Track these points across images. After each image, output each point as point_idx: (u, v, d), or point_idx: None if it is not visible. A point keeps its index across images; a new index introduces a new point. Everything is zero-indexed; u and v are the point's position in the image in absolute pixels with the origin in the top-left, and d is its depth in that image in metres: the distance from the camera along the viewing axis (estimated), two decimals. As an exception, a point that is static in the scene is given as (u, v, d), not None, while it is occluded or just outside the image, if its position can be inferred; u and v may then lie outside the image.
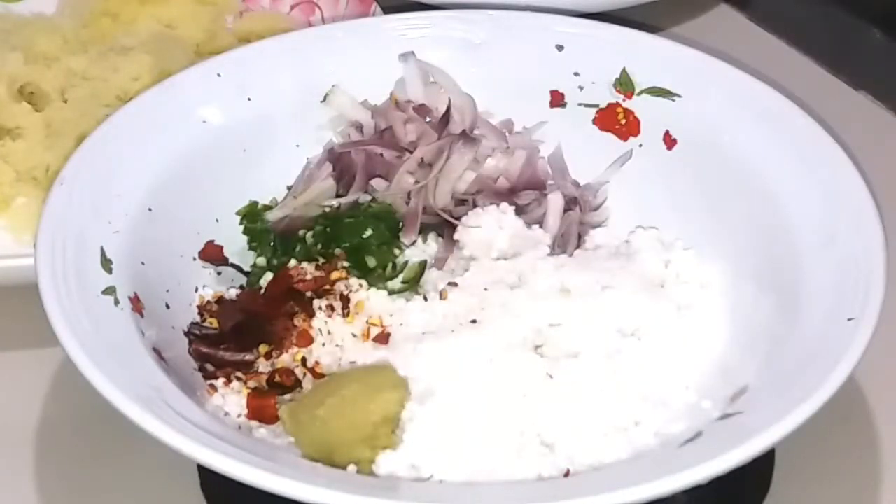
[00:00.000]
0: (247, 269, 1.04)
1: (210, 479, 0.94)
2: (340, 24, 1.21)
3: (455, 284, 0.96)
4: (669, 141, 1.08)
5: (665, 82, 1.07)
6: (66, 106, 1.19)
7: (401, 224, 1.03)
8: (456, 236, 1.02)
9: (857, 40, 1.44)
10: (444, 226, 1.03)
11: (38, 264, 0.89)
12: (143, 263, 0.95)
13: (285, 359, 0.95)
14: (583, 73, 1.11)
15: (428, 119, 1.10)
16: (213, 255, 1.03)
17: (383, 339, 0.94)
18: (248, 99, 1.09)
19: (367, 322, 0.95)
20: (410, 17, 1.16)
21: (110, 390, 0.80)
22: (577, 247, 1.04)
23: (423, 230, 1.03)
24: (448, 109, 1.09)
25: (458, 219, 1.03)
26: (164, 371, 0.86)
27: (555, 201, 1.05)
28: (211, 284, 1.02)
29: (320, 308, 0.96)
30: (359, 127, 1.11)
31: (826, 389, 0.80)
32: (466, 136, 1.07)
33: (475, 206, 1.04)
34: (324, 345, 0.95)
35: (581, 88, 1.11)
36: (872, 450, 0.98)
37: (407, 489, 0.83)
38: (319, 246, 1.02)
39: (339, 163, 1.08)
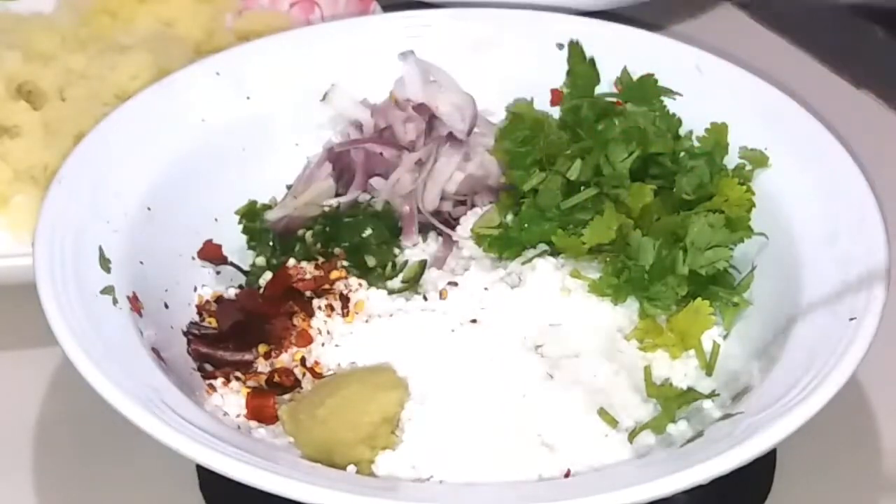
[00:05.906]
0: (246, 268, 1.03)
1: (209, 480, 0.94)
2: (340, 22, 1.20)
3: (455, 284, 0.96)
4: (670, 139, 1.08)
5: (666, 81, 1.07)
6: (65, 104, 1.19)
7: (400, 225, 1.03)
8: (455, 236, 1.01)
9: (859, 39, 1.44)
10: (444, 225, 1.03)
11: (37, 263, 0.89)
12: (141, 263, 0.95)
13: (284, 358, 0.94)
14: (583, 72, 1.11)
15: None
16: (212, 254, 1.03)
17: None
18: (248, 98, 1.09)
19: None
20: (410, 15, 1.16)
21: (109, 390, 0.80)
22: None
23: (424, 230, 1.03)
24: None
25: (457, 219, 1.03)
26: (162, 371, 0.86)
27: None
28: (210, 284, 1.02)
29: (320, 307, 0.96)
30: (358, 126, 1.11)
31: (828, 390, 0.79)
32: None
33: (473, 206, 1.04)
34: (323, 344, 0.95)
35: (582, 87, 1.11)
36: (875, 450, 0.97)
37: (407, 489, 0.83)
38: (319, 245, 1.01)
39: (339, 162, 1.08)
